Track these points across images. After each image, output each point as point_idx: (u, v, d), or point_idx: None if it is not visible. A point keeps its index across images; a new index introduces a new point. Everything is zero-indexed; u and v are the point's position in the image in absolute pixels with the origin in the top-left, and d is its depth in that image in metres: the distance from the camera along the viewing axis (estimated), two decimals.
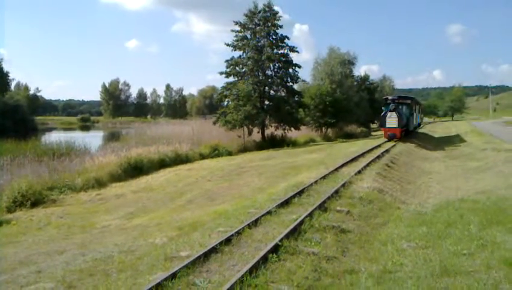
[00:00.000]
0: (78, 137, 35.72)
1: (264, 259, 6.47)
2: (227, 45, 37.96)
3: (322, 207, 9.71)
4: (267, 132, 37.52)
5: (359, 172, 14.52)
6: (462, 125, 56.34)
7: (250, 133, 35.60)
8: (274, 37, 38.03)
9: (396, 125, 28.66)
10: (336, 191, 11.32)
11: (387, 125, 29.04)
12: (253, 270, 6.03)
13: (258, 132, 36.79)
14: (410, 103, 33.81)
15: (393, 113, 28.72)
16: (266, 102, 37.27)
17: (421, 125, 55.04)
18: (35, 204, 13.55)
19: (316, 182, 12.75)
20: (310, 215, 8.86)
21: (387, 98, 32.60)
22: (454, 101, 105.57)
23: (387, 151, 22.11)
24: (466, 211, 9.75)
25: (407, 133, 32.44)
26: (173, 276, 5.81)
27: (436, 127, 58.19)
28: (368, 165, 16.23)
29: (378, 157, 18.86)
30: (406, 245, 7.70)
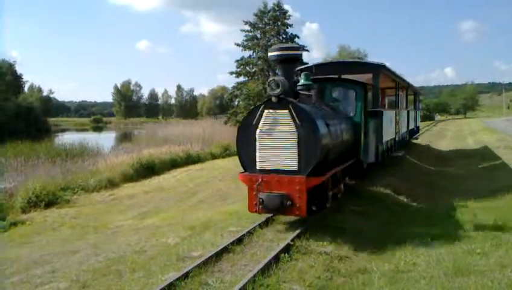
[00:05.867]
0: (91, 138, 36.02)
1: (276, 259, 6.48)
2: (237, 44, 38.12)
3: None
4: None
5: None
6: (475, 124, 55.69)
7: None
8: (284, 36, 38.07)
9: (296, 167, 7.81)
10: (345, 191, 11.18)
11: (258, 166, 8.05)
12: (265, 270, 6.04)
13: None
14: (369, 89, 12.14)
15: (284, 119, 7.88)
16: None
17: (419, 133, 29.60)
18: (49, 205, 13.70)
19: None
20: (324, 214, 8.83)
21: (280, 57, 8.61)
22: (467, 99, 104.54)
23: None
24: (480, 210, 9.65)
25: (362, 171, 12.07)
26: (186, 276, 5.85)
27: (447, 126, 57.57)
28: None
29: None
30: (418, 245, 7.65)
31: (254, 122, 8.00)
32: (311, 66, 12.55)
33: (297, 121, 7.68)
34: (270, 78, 7.97)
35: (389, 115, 14.74)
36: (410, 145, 23.28)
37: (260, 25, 38.09)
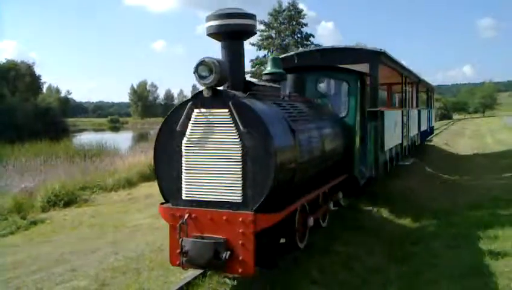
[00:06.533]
0: (108, 138, 36.45)
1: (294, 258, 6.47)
2: (252, 44, 38.08)
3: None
4: None
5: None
6: (493, 122, 54.81)
7: None
8: (299, 35, 37.97)
9: (239, 198, 5.13)
10: None
11: (185, 195, 5.41)
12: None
13: None
14: (367, 83, 9.68)
15: (222, 124, 5.20)
16: None
17: (433, 134, 28.80)
18: (68, 204, 13.88)
19: None
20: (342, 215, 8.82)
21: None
22: (485, 97, 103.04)
23: None
24: (500, 210, 9.52)
25: (357, 188, 8.95)
26: (203, 274, 5.88)
27: (465, 125, 56.76)
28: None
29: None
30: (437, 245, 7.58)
31: (179, 127, 5.31)
32: (293, 55, 11.02)
33: (240, 126, 5.02)
34: (200, 59, 5.12)
35: (393, 116, 12.35)
36: (422, 149, 20.84)
37: (275, 25, 38.15)
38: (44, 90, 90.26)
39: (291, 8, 37.90)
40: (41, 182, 15.33)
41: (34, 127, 50.40)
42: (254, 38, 39.29)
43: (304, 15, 38.09)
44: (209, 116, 5.21)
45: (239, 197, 5.08)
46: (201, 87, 5.22)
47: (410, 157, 15.83)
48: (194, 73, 5.11)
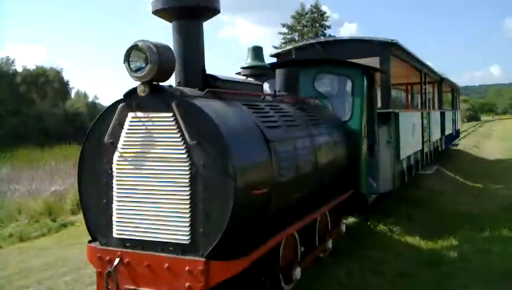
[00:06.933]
0: None
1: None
2: (275, 47, 38.19)
3: None
4: None
5: None
6: None
7: None
8: (322, 37, 37.84)
9: (187, 237, 3.69)
10: None
11: (117, 232, 3.97)
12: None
13: None
14: (377, 78, 8.41)
15: (164, 133, 3.77)
16: None
17: (459, 137, 26.16)
18: None
19: None
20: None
21: None
22: None
23: None
24: None
25: (365, 206, 7.39)
26: None
27: (494, 126, 55.44)
28: None
29: None
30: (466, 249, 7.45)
31: (108, 138, 3.93)
32: (290, 49, 9.94)
33: (187, 137, 3.62)
34: (132, 43, 3.74)
35: (410, 119, 10.75)
36: (447, 155, 18.95)
37: (298, 27, 38.15)
38: (72, 95, 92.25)
39: (314, 10, 37.85)
40: (70, 185, 15.65)
41: (63, 132, 51.64)
42: (277, 41, 39.59)
43: (327, 17, 38.14)
44: (147, 123, 3.83)
45: (186, 237, 3.69)
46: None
47: (433, 165, 14.27)
48: (123, 62, 3.75)
